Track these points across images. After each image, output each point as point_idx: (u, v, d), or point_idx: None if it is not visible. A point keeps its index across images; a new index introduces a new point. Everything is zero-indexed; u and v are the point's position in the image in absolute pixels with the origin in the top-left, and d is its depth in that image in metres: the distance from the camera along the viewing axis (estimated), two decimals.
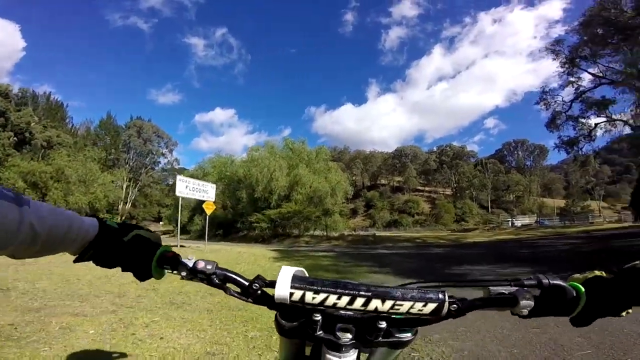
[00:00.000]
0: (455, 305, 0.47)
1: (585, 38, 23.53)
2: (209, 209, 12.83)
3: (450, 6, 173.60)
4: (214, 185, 13.93)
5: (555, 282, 0.48)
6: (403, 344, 0.51)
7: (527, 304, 0.47)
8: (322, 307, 0.46)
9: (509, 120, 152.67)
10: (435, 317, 0.47)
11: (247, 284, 0.51)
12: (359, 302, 0.46)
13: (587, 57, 24.67)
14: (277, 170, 25.59)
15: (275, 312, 0.52)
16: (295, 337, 0.53)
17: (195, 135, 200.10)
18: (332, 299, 0.46)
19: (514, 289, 0.48)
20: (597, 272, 0.49)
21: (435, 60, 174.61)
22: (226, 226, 29.59)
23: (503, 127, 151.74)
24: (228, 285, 0.52)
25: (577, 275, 0.52)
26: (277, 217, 23.42)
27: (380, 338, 0.49)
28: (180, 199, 11.99)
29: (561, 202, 65.36)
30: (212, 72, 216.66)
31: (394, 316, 0.48)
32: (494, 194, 68.21)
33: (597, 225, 26.55)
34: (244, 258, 8.42)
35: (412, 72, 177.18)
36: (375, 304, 0.46)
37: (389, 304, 0.45)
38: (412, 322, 0.49)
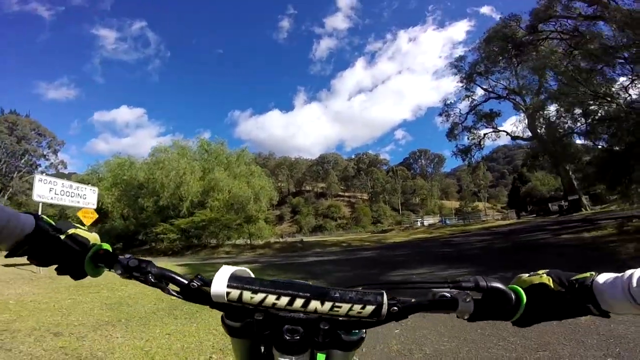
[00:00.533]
0: (395, 308, 0.47)
1: (483, 55, 26.89)
2: (87, 219, 9.78)
3: (377, 22, 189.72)
4: (95, 189, 10.72)
5: (493, 285, 0.47)
6: (352, 346, 0.51)
7: (466, 307, 0.46)
8: (262, 308, 0.46)
9: (415, 132, 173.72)
10: (376, 319, 0.46)
11: (186, 282, 0.50)
12: (298, 303, 0.45)
13: (482, 73, 28.19)
14: (188, 174, 22.20)
15: (222, 313, 0.51)
16: (243, 337, 0.52)
17: (93, 136, 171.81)
18: (271, 299, 0.45)
19: (456, 291, 0.48)
20: (544, 278, 0.48)
21: (357, 72, 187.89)
22: (127, 239, 24.48)
23: (410, 138, 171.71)
24: (166, 283, 0.51)
25: (523, 276, 0.50)
26: (189, 227, 20.17)
27: (328, 339, 0.48)
28: (40, 205, 8.58)
29: (456, 204, 76.19)
30: (121, 67, 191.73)
31: (337, 318, 0.47)
32: (403, 198, 75.40)
33: (490, 222, 31.00)
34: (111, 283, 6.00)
35: (336, 83, 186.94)
36: (314, 305, 0.45)
37: (328, 305, 0.45)
38: (356, 324, 0.48)
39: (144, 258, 0.53)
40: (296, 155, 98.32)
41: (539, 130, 27.73)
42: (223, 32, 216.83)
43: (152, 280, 0.50)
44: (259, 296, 0.45)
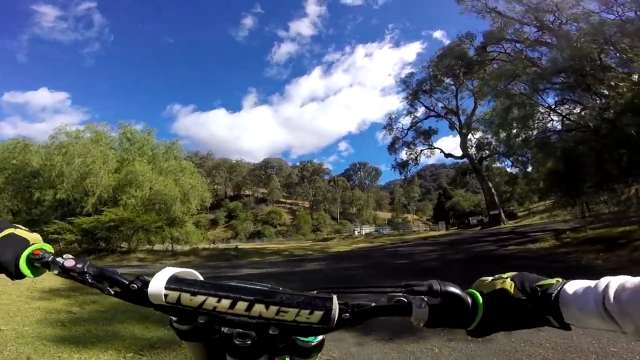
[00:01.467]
0: (347, 314, 0.44)
1: (431, 73, 28.33)
2: None
3: (340, 33, 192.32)
4: None
5: (448, 289, 0.43)
6: (310, 352, 0.49)
7: (421, 313, 0.43)
8: (203, 310, 0.44)
9: (357, 145, 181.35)
10: (326, 325, 0.43)
11: (126, 282, 0.48)
12: (241, 306, 0.43)
13: (427, 91, 29.51)
14: (98, 163, 18.15)
15: (170, 317, 0.50)
16: (194, 340, 0.51)
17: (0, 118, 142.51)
18: (211, 302, 0.43)
19: (411, 296, 0.44)
20: (506, 283, 0.44)
21: (313, 81, 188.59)
22: None
23: (352, 150, 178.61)
24: (105, 284, 0.49)
25: (486, 280, 0.47)
26: (93, 227, 16.24)
27: (283, 345, 0.46)
28: None
29: (388, 215, 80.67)
30: (53, 47, 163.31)
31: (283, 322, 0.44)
32: (342, 207, 77.02)
33: (422, 233, 32.47)
34: None
35: (291, 89, 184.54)
36: (258, 309, 0.43)
37: (273, 309, 0.42)
38: (306, 330, 0.45)
39: (82, 258, 0.50)
40: (237, 158, 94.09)
41: (469, 150, 30.38)
42: (178, 21, 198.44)
43: (90, 280, 0.48)
44: (198, 298, 0.43)
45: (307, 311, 0.42)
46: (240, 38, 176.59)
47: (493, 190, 29.21)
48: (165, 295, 0.44)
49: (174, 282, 0.44)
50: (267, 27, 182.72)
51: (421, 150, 32.33)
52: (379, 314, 0.45)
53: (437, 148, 33.80)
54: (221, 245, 31.41)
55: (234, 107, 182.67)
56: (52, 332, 2.79)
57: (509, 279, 0.44)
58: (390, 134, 32.50)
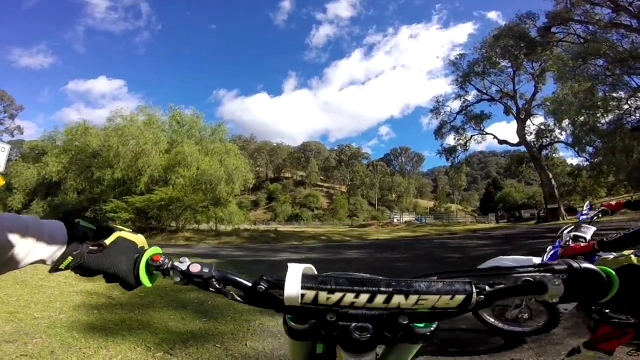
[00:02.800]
0: (482, 296, 0.45)
1: (484, 54, 26.15)
2: None
3: (381, 14, 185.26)
4: (6, 146, 7.96)
5: (586, 266, 0.46)
6: (425, 338, 0.49)
7: (556, 290, 0.45)
8: (336, 308, 0.44)
9: (399, 129, 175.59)
10: (464, 309, 0.44)
11: (250, 285, 0.47)
12: (379, 299, 0.42)
13: (479, 73, 27.29)
14: (150, 144, 19.07)
15: (284, 315, 0.50)
16: (306, 339, 0.51)
17: (65, 105, 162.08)
18: (349, 298, 0.42)
19: (541, 274, 0.46)
20: (633, 258, 0.48)
21: (352, 64, 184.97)
22: (76, 216, 21.07)
23: (393, 135, 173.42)
24: (228, 288, 0.48)
25: (608, 257, 0.50)
26: (145, 206, 17.32)
27: (401, 333, 0.47)
28: None
29: (430, 203, 77.23)
30: (107, 37, 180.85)
31: (418, 310, 0.45)
32: (380, 193, 75.36)
33: (469, 225, 30.37)
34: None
35: (330, 72, 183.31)
36: (397, 300, 0.43)
37: (413, 299, 0.43)
38: (436, 315, 0.46)
39: (203, 261, 0.48)
40: (278, 141, 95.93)
41: (527, 137, 27.46)
42: (219, 7, 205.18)
43: (216, 285, 0.47)
44: (336, 296, 0.42)
45: (449, 297, 0.43)
46: (279, 22, 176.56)
47: (553, 181, 26.31)
48: (302, 295, 0.42)
49: (309, 281, 0.43)
50: (305, 10, 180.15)
51: (471, 136, 30.23)
52: (512, 294, 0.46)
53: (490, 134, 31.42)
54: (261, 227, 32.38)
55: (275, 91, 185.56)
56: (85, 321, 2.64)
57: (632, 255, 0.47)
58: (437, 118, 30.91)
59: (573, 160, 31.29)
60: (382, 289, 0.42)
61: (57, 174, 21.05)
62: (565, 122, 22.83)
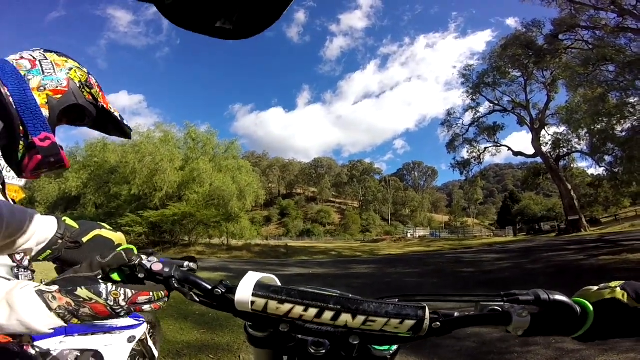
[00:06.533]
0: (438, 323, 0.42)
1: (493, 65, 25.93)
2: (18, 196, 7.45)
3: (396, 24, 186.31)
4: None
5: (557, 298, 0.42)
6: None
7: (522, 322, 0.42)
8: (288, 319, 0.44)
9: (414, 143, 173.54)
10: (414, 335, 0.42)
11: (209, 288, 0.47)
12: (327, 315, 0.42)
13: (489, 84, 27.04)
14: (165, 161, 19.69)
15: (245, 322, 0.50)
16: (266, 347, 0.51)
17: None
18: (298, 310, 0.42)
19: (508, 305, 0.43)
20: (617, 292, 0.42)
21: (367, 76, 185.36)
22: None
23: (408, 149, 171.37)
24: (189, 288, 0.48)
25: (592, 289, 0.45)
26: (159, 220, 17.71)
27: (357, 354, 0.46)
28: None
29: (445, 218, 75.36)
30: (128, 52, 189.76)
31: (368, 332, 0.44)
32: (393, 208, 74.22)
33: (485, 239, 29.38)
34: None
35: (344, 85, 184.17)
36: (345, 318, 0.42)
37: (360, 319, 0.41)
38: (390, 339, 0.45)
39: (169, 261, 0.50)
40: (291, 157, 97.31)
41: (543, 148, 26.78)
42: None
43: (176, 285, 0.48)
44: (286, 307, 0.42)
45: (397, 320, 0.41)
46: (293, 34, 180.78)
47: (573, 192, 25.31)
48: (252, 302, 0.43)
49: (261, 289, 0.43)
50: (318, 21, 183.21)
51: (485, 148, 29.62)
52: (473, 323, 0.44)
53: (505, 146, 30.47)
54: (272, 242, 32.32)
55: (290, 105, 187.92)
56: None
57: (618, 288, 0.42)
58: (449, 131, 30.40)
59: (593, 170, 29.97)
60: (330, 305, 0.42)
61: (77, 189, 22.13)
62: (582, 131, 22.18)
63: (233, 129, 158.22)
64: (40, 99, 0.68)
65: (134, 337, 1.60)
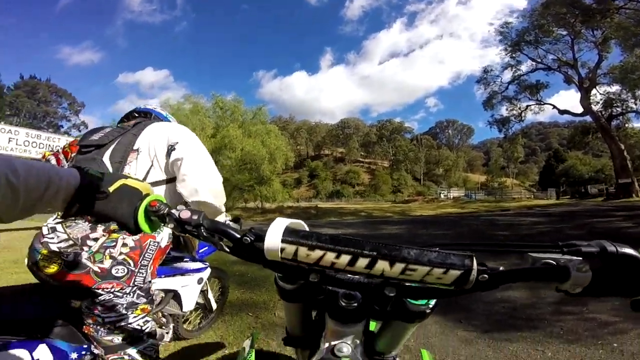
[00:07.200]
0: (485, 275, 0.38)
1: (535, 22, 23.76)
2: None
3: None
4: (70, 139, 9.06)
5: (626, 251, 0.36)
6: (418, 317, 0.44)
7: (581, 278, 0.36)
8: (318, 267, 0.40)
9: (448, 101, 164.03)
10: (459, 288, 0.38)
11: (238, 237, 0.44)
12: (362, 263, 0.38)
13: (531, 42, 25.13)
14: (197, 130, 20.51)
15: (275, 274, 0.48)
16: (296, 300, 0.49)
17: (119, 97, 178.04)
18: (329, 257, 0.38)
19: (566, 258, 0.38)
20: None
21: (393, 35, 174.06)
22: None
23: (441, 107, 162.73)
24: (219, 238, 0.46)
25: None
26: None
27: (390, 308, 0.43)
28: None
29: (482, 178, 72.14)
30: (146, 29, 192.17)
31: (408, 283, 0.41)
32: (425, 167, 72.15)
33: (525, 201, 27.99)
34: None
35: (368, 45, 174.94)
36: (381, 266, 0.37)
37: (399, 267, 0.37)
38: (430, 292, 0.42)
39: (196, 210, 0.47)
40: (317, 120, 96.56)
41: (593, 107, 24.62)
42: None
43: (205, 234, 0.46)
44: (317, 253, 0.38)
45: (441, 270, 0.36)
46: None
47: (626, 153, 23.32)
48: (282, 249, 0.39)
49: (290, 235, 0.40)
50: None
51: (527, 106, 28.22)
52: (523, 278, 0.38)
53: (549, 104, 28.81)
54: (303, 204, 33.34)
55: (312, 68, 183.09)
56: None
57: None
58: (485, 89, 29.12)
59: None
60: (365, 251, 0.37)
61: None
62: (638, 91, 20.33)
63: (258, 96, 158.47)
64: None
65: (202, 279, 1.87)
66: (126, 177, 0.52)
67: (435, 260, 0.36)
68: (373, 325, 0.53)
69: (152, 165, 1.08)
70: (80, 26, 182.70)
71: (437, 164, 73.19)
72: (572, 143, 34.63)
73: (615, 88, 23.27)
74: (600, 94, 24.60)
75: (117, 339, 0.99)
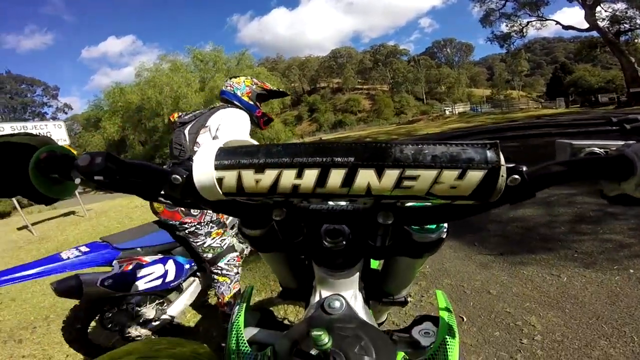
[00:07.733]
0: (516, 176, 0.24)
1: None
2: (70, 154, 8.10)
3: None
4: (61, 123, 8.68)
5: None
6: (427, 249, 0.33)
7: None
8: (278, 197, 0.26)
9: (443, 20, 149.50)
10: (482, 199, 0.24)
11: (166, 171, 0.30)
12: (335, 179, 0.24)
13: None
14: (183, 87, 20.05)
15: (238, 219, 0.36)
16: (270, 249, 0.37)
17: (91, 73, 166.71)
18: (288, 178, 0.25)
19: (622, 142, 0.26)
20: None
21: None
22: None
23: (437, 26, 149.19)
24: (133, 180, 0.31)
25: None
26: None
27: (389, 242, 0.31)
28: None
29: (487, 92, 69.66)
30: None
31: (409, 203, 0.29)
32: (427, 87, 69.95)
33: (532, 111, 27.02)
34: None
35: None
36: (365, 178, 0.24)
37: (391, 176, 0.23)
38: (441, 212, 0.28)
39: (111, 152, 0.31)
40: (307, 54, 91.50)
41: (600, 23, 23.52)
42: None
43: (119, 183, 0.31)
44: (268, 175, 0.25)
45: (455, 173, 0.23)
46: None
47: (636, 65, 22.65)
48: (220, 180, 0.26)
49: (227, 156, 0.27)
50: None
51: (528, 22, 28.07)
52: (570, 176, 0.25)
53: (552, 20, 28.61)
54: (307, 139, 33.13)
55: (292, 3, 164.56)
56: None
57: None
58: (481, 7, 28.91)
59: None
60: (338, 159, 0.24)
61: (117, 133, 23.68)
62: None
63: (238, 41, 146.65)
64: (246, 98, 1.70)
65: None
66: (22, 134, 0.35)
67: (443, 156, 0.23)
68: (375, 263, 0.43)
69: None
70: (14, 11, 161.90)
71: (438, 82, 70.37)
72: (579, 56, 33.71)
73: (619, 5, 22.89)
74: (605, 10, 23.79)
75: (209, 256, 1.59)
